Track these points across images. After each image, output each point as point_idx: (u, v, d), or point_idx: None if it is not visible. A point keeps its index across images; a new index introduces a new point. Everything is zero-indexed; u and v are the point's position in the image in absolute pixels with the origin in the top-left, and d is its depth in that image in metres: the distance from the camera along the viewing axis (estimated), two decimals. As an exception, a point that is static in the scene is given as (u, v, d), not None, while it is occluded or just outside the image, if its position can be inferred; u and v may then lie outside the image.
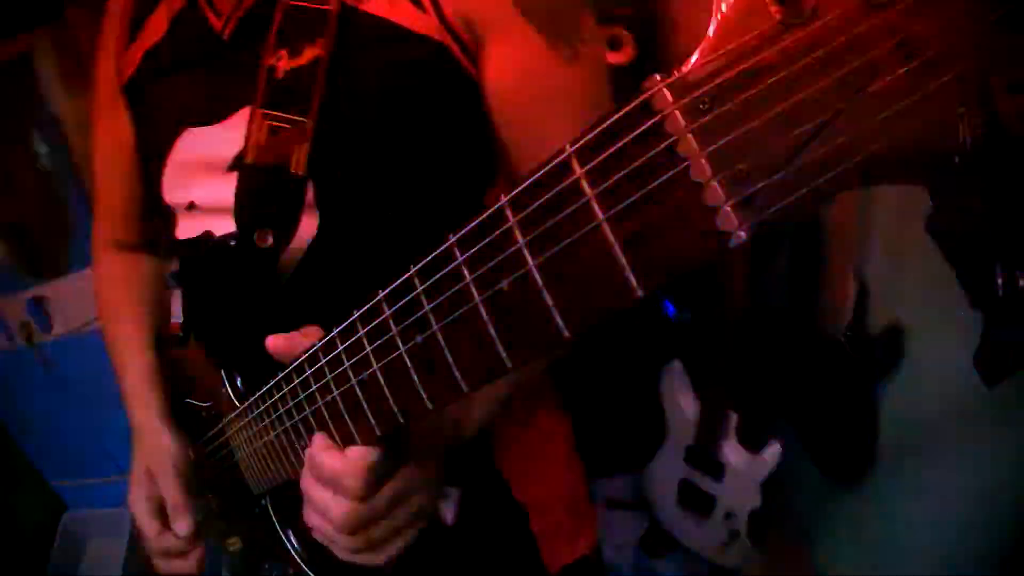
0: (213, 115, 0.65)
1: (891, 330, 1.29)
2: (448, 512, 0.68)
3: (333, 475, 0.48)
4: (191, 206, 0.68)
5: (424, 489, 0.54)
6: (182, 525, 0.68)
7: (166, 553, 0.71)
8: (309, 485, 0.51)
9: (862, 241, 1.31)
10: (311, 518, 0.52)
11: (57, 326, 1.84)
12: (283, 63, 0.61)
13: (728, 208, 0.26)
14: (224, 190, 0.64)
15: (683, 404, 1.53)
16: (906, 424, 1.32)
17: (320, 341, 0.46)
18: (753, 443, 1.45)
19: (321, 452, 0.49)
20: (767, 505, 1.46)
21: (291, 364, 0.50)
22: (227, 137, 0.64)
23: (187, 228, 0.69)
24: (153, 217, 0.76)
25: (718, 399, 1.47)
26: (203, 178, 0.66)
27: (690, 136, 0.26)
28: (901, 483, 1.34)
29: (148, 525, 0.71)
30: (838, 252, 1.37)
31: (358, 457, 0.47)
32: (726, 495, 1.49)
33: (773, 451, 1.43)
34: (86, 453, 1.95)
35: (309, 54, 0.60)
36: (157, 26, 0.71)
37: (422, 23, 0.60)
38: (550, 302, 0.32)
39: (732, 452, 1.46)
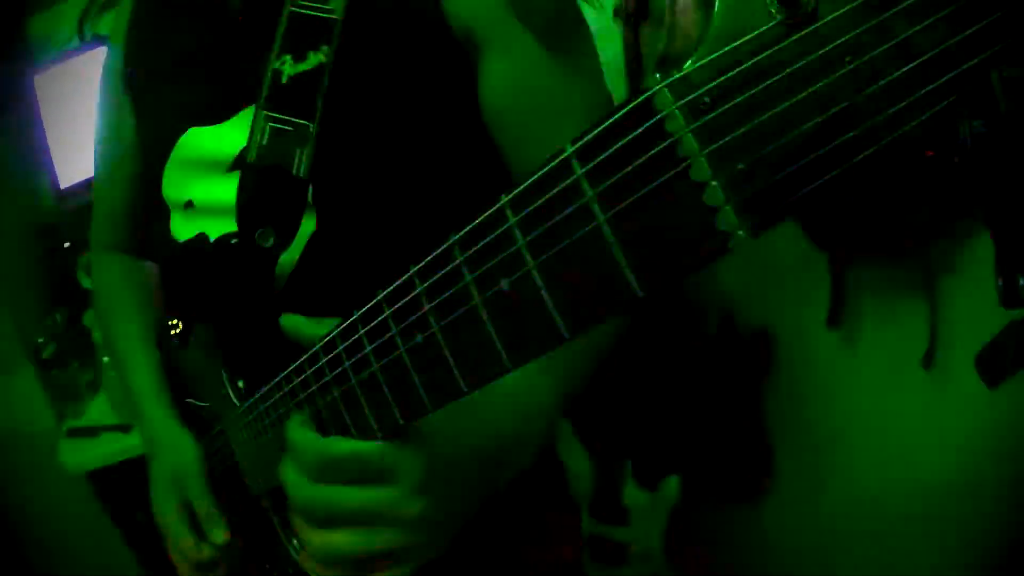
0: (216, 114, 0.66)
1: (758, 335, 1.30)
2: None
3: (291, 444, 0.48)
4: (188, 205, 0.68)
5: (406, 527, 0.46)
6: (221, 535, 0.67)
7: (202, 566, 0.69)
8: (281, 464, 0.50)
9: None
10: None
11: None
12: (288, 68, 0.61)
13: (728, 209, 0.26)
14: (223, 190, 0.65)
15: (576, 462, 1.55)
16: (796, 432, 1.33)
17: (323, 340, 0.46)
18: (650, 482, 1.48)
19: (294, 426, 0.49)
20: (679, 527, 1.49)
21: (292, 365, 0.50)
22: (229, 137, 0.64)
23: (182, 228, 0.69)
24: (151, 217, 0.76)
25: (608, 449, 1.49)
26: (203, 177, 0.67)
27: (690, 136, 0.26)
28: (801, 490, 1.35)
29: (184, 537, 0.69)
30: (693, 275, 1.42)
31: (328, 440, 0.46)
32: (636, 538, 1.51)
33: (671, 485, 1.45)
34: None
35: (314, 60, 0.61)
36: (165, 25, 0.72)
37: (425, 32, 0.60)
38: (550, 302, 0.32)
39: (632, 496, 1.48)
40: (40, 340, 1.70)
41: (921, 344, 0.92)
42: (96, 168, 0.84)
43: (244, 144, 0.63)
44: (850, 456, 1.21)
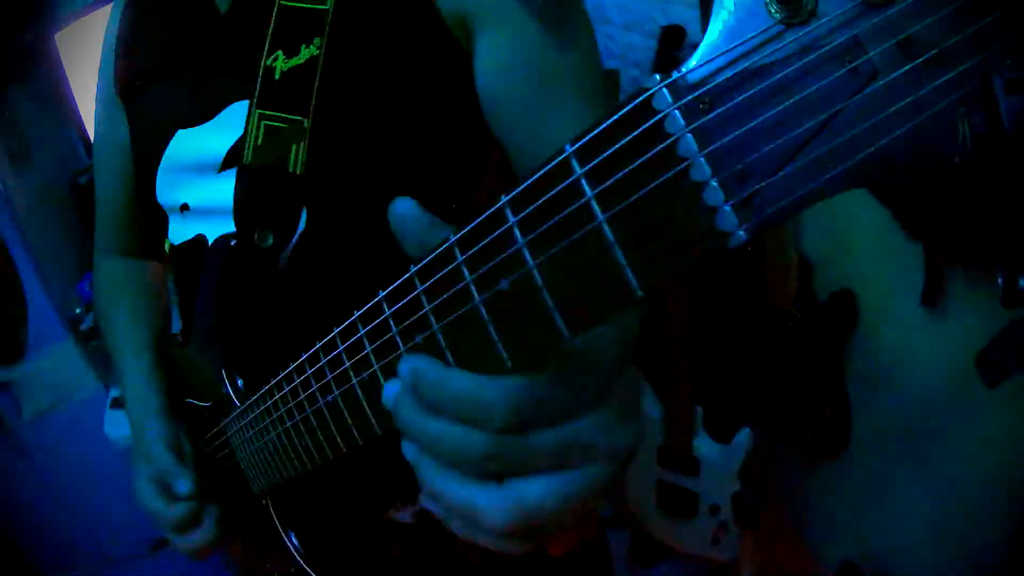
0: (203, 114, 0.65)
1: (842, 295, 1.30)
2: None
3: (462, 396, 0.34)
4: (184, 208, 0.68)
5: (610, 432, 0.34)
6: (182, 484, 0.68)
7: (180, 526, 0.69)
8: (413, 419, 0.36)
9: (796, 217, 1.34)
10: (423, 471, 0.36)
11: (27, 410, 1.72)
12: (281, 63, 0.61)
13: (728, 208, 0.26)
14: (217, 191, 0.65)
15: (646, 408, 1.52)
16: (874, 392, 1.31)
17: (322, 340, 0.46)
18: (722, 433, 1.46)
19: (438, 369, 0.35)
20: (749, 488, 1.46)
21: (292, 365, 0.50)
22: (217, 135, 0.64)
23: (180, 231, 0.69)
24: (149, 222, 0.76)
25: (680, 396, 1.47)
26: (195, 179, 0.67)
27: (690, 136, 0.26)
28: (882, 453, 1.33)
29: (155, 502, 0.70)
30: (773, 232, 1.38)
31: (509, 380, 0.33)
32: (706, 489, 1.49)
33: (744, 437, 1.43)
34: (77, 543, 1.80)
35: (306, 54, 0.60)
36: (154, 27, 0.72)
37: (417, 21, 0.60)
38: (550, 302, 0.32)
39: (704, 446, 1.47)
40: (77, 311, 1.68)
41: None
42: (95, 172, 0.84)
43: (232, 142, 0.63)
44: (931, 427, 1.19)
